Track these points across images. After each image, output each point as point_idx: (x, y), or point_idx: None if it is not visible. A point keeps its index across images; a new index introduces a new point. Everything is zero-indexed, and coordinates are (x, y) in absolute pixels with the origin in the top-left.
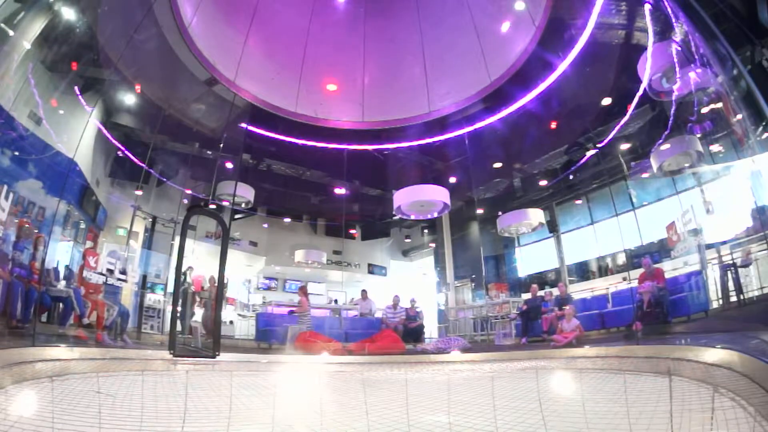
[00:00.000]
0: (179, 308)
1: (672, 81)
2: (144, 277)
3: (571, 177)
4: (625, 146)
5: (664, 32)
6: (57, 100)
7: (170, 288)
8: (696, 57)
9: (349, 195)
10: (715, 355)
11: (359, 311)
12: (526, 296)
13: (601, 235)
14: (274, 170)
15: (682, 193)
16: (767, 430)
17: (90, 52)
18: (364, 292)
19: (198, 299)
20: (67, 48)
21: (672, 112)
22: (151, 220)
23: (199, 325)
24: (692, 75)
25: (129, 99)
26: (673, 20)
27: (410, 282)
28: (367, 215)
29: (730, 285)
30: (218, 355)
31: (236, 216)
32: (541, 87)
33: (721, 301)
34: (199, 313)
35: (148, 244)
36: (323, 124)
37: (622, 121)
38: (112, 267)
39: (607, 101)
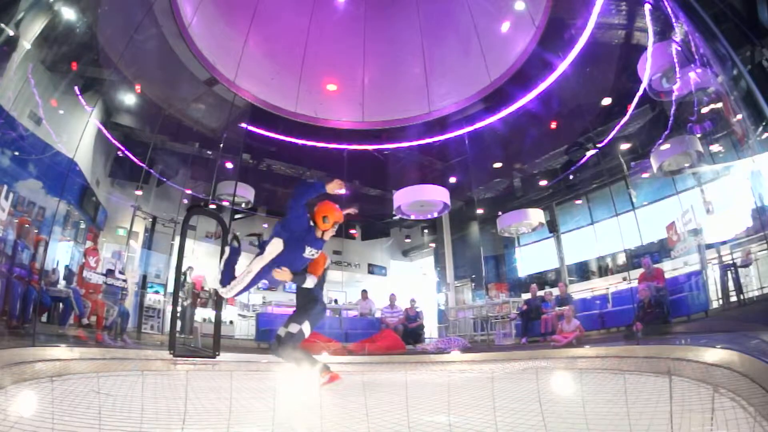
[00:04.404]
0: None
1: (672, 81)
2: (144, 277)
3: (571, 177)
4: (625, 146)
5: (664, 32)
6: (57, 100)
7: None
8: (696, 57)
9: (349, 195)
10: (715, 355)
11: (359, 311)
12: (526, 296)
13: (601, 235)
14: (274, 170)
15: (682, 193)
16: (767, 430)
17: (90, 52)
18: (364, 292)
19: (198, 299)
20: (67, 48)
21: (672, 112)
22: (151, 220)
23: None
24: (692, 75)
25: (129, 99)
26: (673, 20)
27: (410, 282)
28: (367, 215)
29: (730, 285)
30: (218, 355)
31: (236, 216)
32: (541, 87)
33: (721, 301)
34: (199, 313)
35: (148, 244)
36: (323, 124)
37: (622, 121)
38: (112, 267)
39: (607, 101)
